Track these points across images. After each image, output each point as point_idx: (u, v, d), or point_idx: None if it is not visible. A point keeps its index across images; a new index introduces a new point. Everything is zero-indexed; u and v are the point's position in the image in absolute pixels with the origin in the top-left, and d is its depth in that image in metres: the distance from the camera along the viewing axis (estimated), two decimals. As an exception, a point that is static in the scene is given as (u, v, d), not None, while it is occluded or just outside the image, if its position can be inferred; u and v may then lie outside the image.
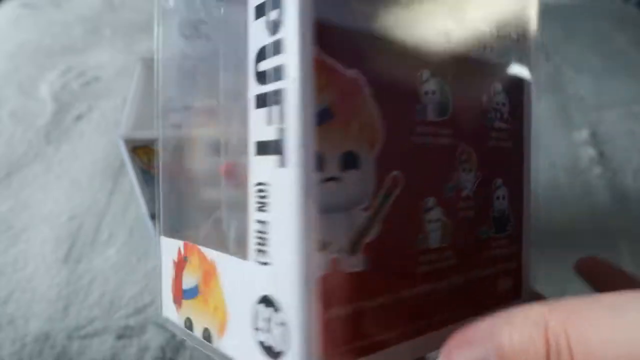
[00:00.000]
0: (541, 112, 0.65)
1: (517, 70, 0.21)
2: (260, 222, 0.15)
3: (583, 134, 0.61)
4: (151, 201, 0.41)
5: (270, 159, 0.14)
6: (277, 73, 0.14)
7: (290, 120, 0.14)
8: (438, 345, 0.18)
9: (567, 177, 0.56)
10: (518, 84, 0.21)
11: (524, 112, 0.21)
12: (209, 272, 0.18)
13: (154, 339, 0.41)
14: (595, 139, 0.61)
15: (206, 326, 0.18)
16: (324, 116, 0.14)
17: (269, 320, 0.15)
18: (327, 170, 0.14)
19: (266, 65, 0.15)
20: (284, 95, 0.14)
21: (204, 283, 0.18)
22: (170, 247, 0.21)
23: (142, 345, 0.41)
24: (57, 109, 0.67)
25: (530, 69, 0.22)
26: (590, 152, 0.59)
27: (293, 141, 0.14)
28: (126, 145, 0.37)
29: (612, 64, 0.73)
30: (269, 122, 0.14)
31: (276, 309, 0.14)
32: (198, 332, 0.19)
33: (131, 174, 0.39)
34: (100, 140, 0.62)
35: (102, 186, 0.56)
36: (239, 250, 0.17)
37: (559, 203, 0.53)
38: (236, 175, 0.19)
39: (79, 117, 0.66)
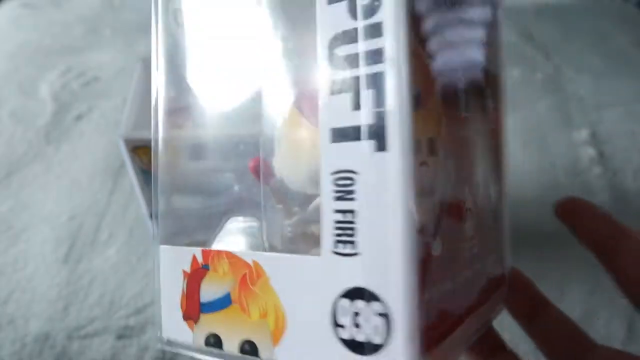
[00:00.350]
0: (541, 112, 0.65)
1: (499, 73, 0.22)
2: (342, 211, 0.15)
3: (583, 134, 0.61)
4: (151, 201, 0.41)
5: (361, 145, 0.14)
6: (373, 57, 0.14)
7: (391, 104, 0.14)
8: (474, 329, 0.18)
9: (567, 177, 0.56)
10: (498, 85, 0.22)
11: (501, 111, 0.23)
12: (249, 278, 0.17)
13: (154, 339, 0.41)
14: (595, 139, 0.61)
15: (246, 338, 0.17)
16: (418, 101, 0.14)
17: (358, 314, 0.14)
18: (421, 155, 0.14)
19: (351, 49, 0.14)
20: (381, 78, 0.14)
21: (241, 290, 0.17)
22: (176, 257, 0.19)
23: (142, 345, 0.41)
24: (57, 109, 0.67)
25: (502, 71, 0.23)
26: (590, 152, 0.59)
27: (395, 125, 0.13)
28: (126, 145, 0.37)
29: (612, 63, 0.73)
30: (356, 107, 0.14)
31: (371, 300, 0.14)
32: (231, 347, 0.17)
33: (131, 174, 0.39)
34: (100, 140, 0.62)
35: (102, 186, 0.56)
36: (290, 247, 0.16)
37: (559, 203, 0.53)
38: (266, 172, 0.19)
39: (79, 117, 0.66)
